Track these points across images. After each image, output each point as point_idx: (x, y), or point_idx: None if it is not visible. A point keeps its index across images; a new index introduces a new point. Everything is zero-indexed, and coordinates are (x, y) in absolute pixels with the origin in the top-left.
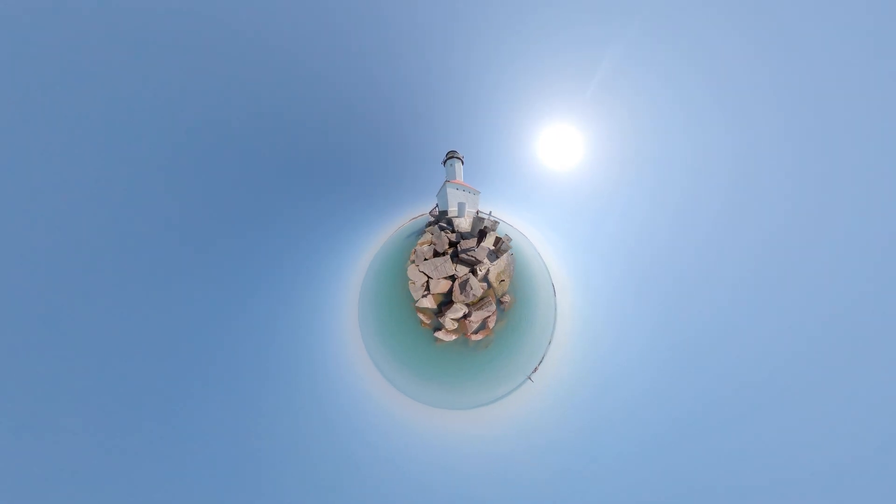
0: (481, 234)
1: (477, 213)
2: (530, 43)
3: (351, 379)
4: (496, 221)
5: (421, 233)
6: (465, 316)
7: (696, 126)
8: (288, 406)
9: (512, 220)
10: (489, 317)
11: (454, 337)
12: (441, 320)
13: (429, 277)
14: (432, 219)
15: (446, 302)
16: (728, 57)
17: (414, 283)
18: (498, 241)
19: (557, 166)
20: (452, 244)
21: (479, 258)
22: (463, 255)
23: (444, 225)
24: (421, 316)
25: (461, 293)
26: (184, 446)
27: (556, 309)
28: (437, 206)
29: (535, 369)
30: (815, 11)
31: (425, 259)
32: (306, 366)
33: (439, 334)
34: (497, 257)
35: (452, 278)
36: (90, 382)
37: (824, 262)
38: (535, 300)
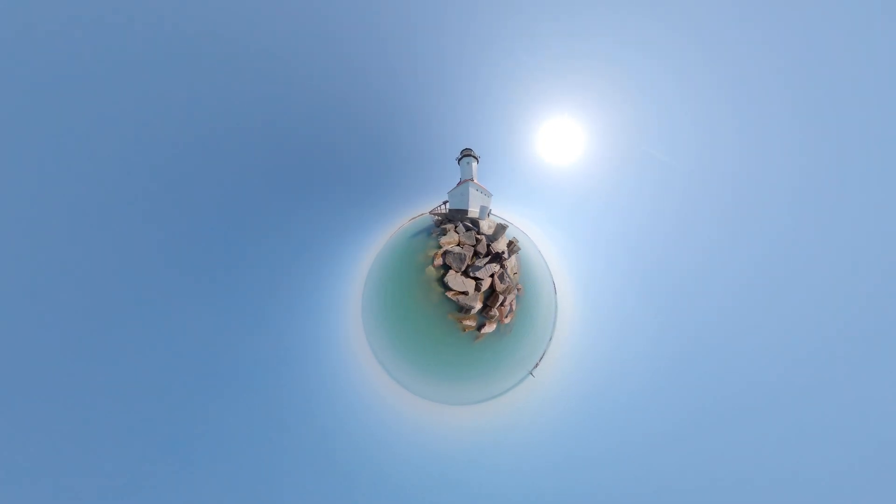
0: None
1: (489, 214)
2: (526, 32)
3: (356, 378)
4: (506, 225)
5: (434, 233)
6: (501, 304)
7: (702, 119)
8: (294, 408)
9: (510, 216)
10: (513, 300)
11: (494, 327)
12: (488, 315)
13: (479, 280)
14: (437, 217)
15: (490, 295)
16: (738, 48)
17: (468, 294)
18: (511, 243)
19: (557, 161)
20: (487, 245)
21: (505, 256)
22: (493, 252)
23: (469, 225)
24: (466, 322)
25: (501, 283)
26: (195, 448)
27: (556, 306)
28: (443, 204)
29: (537, 365)
30: (836, 4)
31: (469, 265)
32: (313, 368)
33: (485, 329)
34: (510, 256)
35: (492, 275)
36: (94, 387)
37: (837, 262)
38: (536, 297)
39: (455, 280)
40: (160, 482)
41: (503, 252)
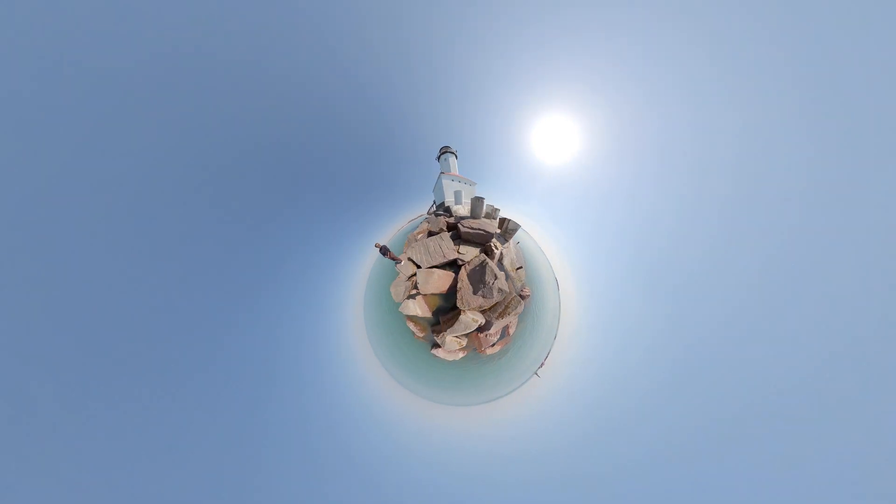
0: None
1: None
2: (521, 28)
3: (354, 377)
4: (497, 209)
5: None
6: (481, 329)
7: (701, 112)
8: (293, 409)
9: (510, 214)
10: (512, 320)
11: (461, 355)
12: (438, 339)
13: (418, 267)
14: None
15: (446, 309)
16: (737, 39)
17: (399, 277)
18: (503, 221)
19: (555, 157)
20: (452, 226)
21: (488, 230)
22: (467, 230)
23: (441, 212)
24: (411, 325)
25: (479, 291)
26: (187, 449)
27: (560, 304)
28: (434, 202)
29: (542, 364)
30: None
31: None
32: (311, 366)
33: (438, 352)
34: (506, 241)
35: (455, 268)
36: (88, 384)
37: (845, 256)
38: (540, 296)
39: (403, 262)
40: (155, 486)
41: (492, 233)
